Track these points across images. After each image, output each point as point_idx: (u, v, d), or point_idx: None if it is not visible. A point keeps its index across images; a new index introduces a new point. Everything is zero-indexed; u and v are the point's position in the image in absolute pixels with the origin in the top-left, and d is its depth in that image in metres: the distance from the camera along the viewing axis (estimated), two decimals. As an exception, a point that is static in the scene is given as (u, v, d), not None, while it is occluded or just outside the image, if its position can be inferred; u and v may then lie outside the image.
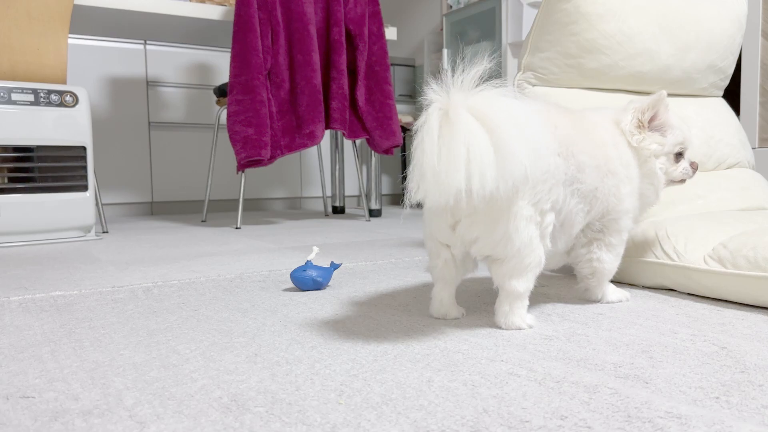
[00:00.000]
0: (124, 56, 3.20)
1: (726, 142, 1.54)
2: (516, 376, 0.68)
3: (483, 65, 0.78)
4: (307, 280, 1.15)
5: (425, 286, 1.20)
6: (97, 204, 2.33)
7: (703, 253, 1.07)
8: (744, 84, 2.31)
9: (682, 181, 1.07)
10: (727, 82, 1.63)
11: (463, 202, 0.75)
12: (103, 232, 2.37)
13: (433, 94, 0.78)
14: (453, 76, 0.78)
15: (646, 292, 1.12)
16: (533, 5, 3.09)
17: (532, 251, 0.85)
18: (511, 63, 3.16)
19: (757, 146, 2.27)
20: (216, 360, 0.75)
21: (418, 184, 0.76)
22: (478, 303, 1.04)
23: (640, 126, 1.01)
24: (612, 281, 1.19)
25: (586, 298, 1.05)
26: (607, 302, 1.04)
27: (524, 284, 0.86)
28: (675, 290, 1.12)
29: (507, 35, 3.17)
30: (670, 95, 1.54)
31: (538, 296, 1.09)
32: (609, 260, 1.01)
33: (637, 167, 1.01)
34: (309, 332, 0.87)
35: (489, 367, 0.71)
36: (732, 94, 1.88)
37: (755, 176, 1.58)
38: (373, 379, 0.67)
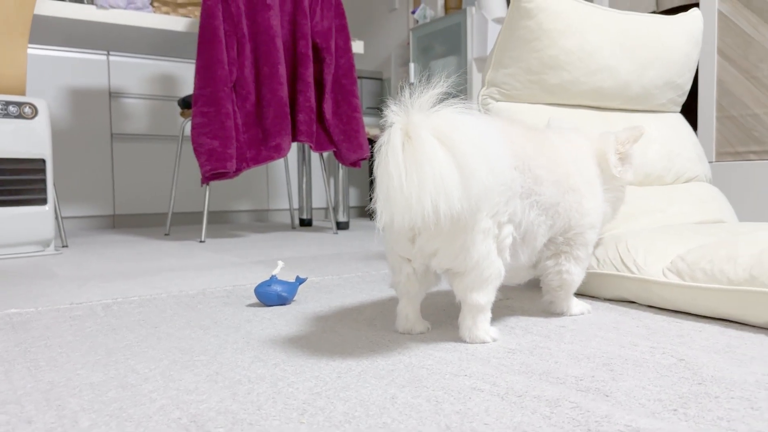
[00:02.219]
0: (87, 67, 3.15)
1: (684, 157, 1.58)
2: (479, 391, 0.68)
3: (442, 84, 0.79)
4: (272, 296, 1.14)
5: (391, 300, 1.20)
6: (56, 217, 2.27)
7: (662, 266, 1.09)
8: (701, 100, 2.38)
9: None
10: (684, 98, 1.68)
11: (431, 224, 0.76)
12: (63, 247, 2.32)
13: (393, 114, 0.78)
14: (412, 96, 0.79)
15: (608, 305, 1.14)
16: (498, 21, 3.14)
17: (491, 264, 0.85)
18: (476, 78, 3.20)
19: (714, 160, 2.34)
20: (176, 379, 0.74)
21: (384, 207, 0.76)
22: (444, 317, 1.05)
23: (620, 158, 1.06)
24: (575, 294, 1.21)
25: (550, 310, 1.07)
26: (571, 315, 1.05)
27: (485, 297, 0.87)
28: (635, 302, 1.14)
29: (472, 50, 3.21)
30: (629, 111, 1.58)
31: (502, 309, 1.10)
32: (577, 273, 1.03)
33: (600, 186, 1.04)
34: (272, 349, 0.86)
35: (453, 382, 0.71)
36: (689, 110, 1.93)
37: (712, 190, 1.62)
38: (337, 397, 0.66)
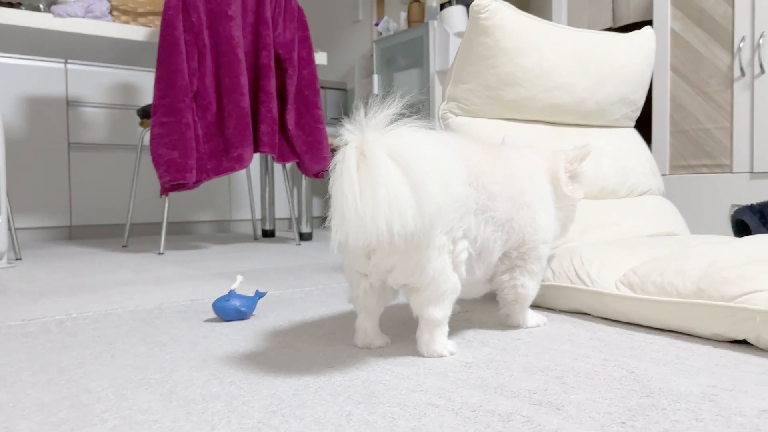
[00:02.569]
0: (44, 75, 3.08)
1: (638, 171, 1.63)
2: (434, 406, 0.69)
3: (397, 102, 0.80)
4: (230, 310, 1.13)
5: (352, 313, 1.21)
6: (9, 229, 2.21)
7: (615, 279, 1.12)
8: (655, 115, 2.45)
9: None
10: (638, 113, 1.73)
11: (385, 243, 0.77)
12: (16, 259, 2.25)
13: (348, 133, 0.79)
14: (368, 114, 0.80)
15: (563, 316, 1.16)
16: (459, 35, 3.18)
17: (446, 279, 0.86)
18: (438, 90, 3.24)
19: (668, 173, 2.41)
20: (129, 398, 0.73)
21: (339, 225, 0.77)
22: (403, 330, 1.05)
23: (570, 177, 1.08)
24: (531, 306, 1.23)
25: (507, 323, 1.08)
26: (527, 327, 1.07)
27: (441, 311, 0.88)
28: (589, 314, 1.17)
29: (434, 63, 3.24)
30: (584, 126, 1.62)
31: (461, 322, 1.11)
32: (531, 286, 1.05)
33: (552, 203, 1.06)
34: (229, 366, 0.86)
35: (409, 397, 0.72)
36: (642, 125, 1.98)
37: (665, 203, 1.67)
38: (292, 415, 0.66)
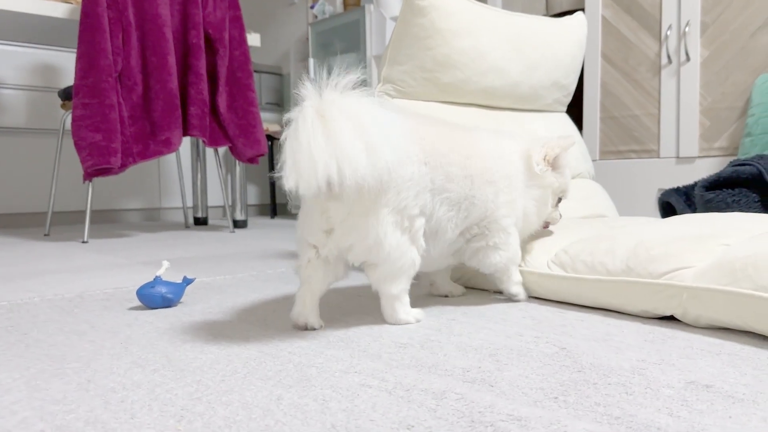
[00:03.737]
0: (-47, 53, 2.88)
1: (570, 155, 1.65)
2: (368, 387, 0.67)
3: (354, 75, 0.85)
4: (156, 298, 1.08)
5: (286, 298, 1.17)
6: None
7: (547, 259, 1.13)
8: (586, 101, 2.51)
9: (547, 224, 1.19)
10: (569, 98, 1.75)
11: (335, 189, 0.80)
12: (-76, 249, 2.10)
13: (306, 91, 0.83)
14: (328, 79, 0.84)
15: (496, 296, 1.17)
16: (395, 19, 3.16)
17: (402, 255, 0.90)
18: (376, 75, 3.22)
19: (598, 158, 2.47)
20: (42, 389, 0.68)
21: (290, 172, 0.80)
22: (338, 314, 1.03)
23: (546, 160, 1.10)
24: (467, 287, 1.23)
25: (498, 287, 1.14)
26: (510, 293, 1.12)
27: (397, 286, 0.93)
28: (524, 294, 1.17)
29: (371, 47, 3.22)
30: (518, 110, 1.63)
31: (396, 305, 1.10)
32: (501, 258, 1.06)
33: (522, 184, 1.08)
34: (153, 354, 0.81)
35: (342, 379, 0.70)
36: (574, 110, 2.02)
37: (596, 186, 1.71)
38: (218, 401, 0.63)
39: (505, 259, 1.07)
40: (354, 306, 1.09)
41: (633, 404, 0.61)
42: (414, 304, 1.10)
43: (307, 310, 0.93)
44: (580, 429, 0.55)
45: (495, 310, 1.06)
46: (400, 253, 0.90)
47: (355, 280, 1.38)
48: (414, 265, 0.93)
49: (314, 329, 0.93)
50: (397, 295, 0.94)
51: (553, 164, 1.11)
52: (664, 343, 0.83)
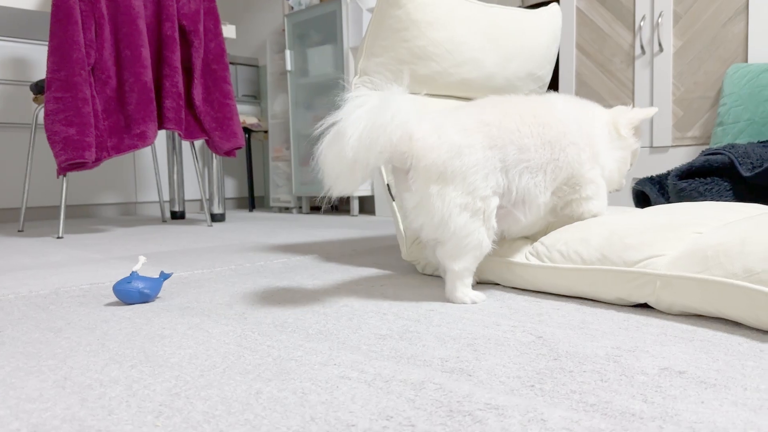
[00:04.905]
0: None
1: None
2: (347, 379, 0.67)
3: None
4: (133, 293, 1.07)
5: (265, 291, 1.17)
6: None
7: (525, 250, 1.14)
8: (562, 92, 2.52)
9: (617, 190, 1.27)
10: (545, 89, 1.77)
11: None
12: None
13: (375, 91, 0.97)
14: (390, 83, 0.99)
15: (477, 287, 1.18)
16: (372, 11, 3.15)
17: (467, 234, 1.00)
18: (353, 67, 3.20)
19: (573, 149, 2.49)
20: (17, 387, 0.67)
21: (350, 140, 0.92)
22: (317, 306, 1.03)
23: (632, 125, 1.20)
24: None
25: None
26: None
27: (461, 264, 1.02)
28: (499, 284, 1.19)
29: (348, 39, 3.20)
30: (495, 100, 1.64)
31: (376, 296, 1.10)
32: (594, 206, 1.14)
33: (606, 146, 1.17)
34: (130, 350, 0.81)
35: (321, 372, 0.70)
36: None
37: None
38: (197, 396, 0.63)
39: (597, 207, 1.15)
40: (332, 298, 1.10)
41: (608, 391, 0.62)
42: (393, 293, 1.11)
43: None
44: (556, 417, 0.56)
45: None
46: (465, 233, 0.99)
47: (334, 273, 1.38)
48: (480, 246, 1.01)
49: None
50: (459, 272, 1.02)
51: (635, 129, 1.20)
52: (638, 330, 0.85)
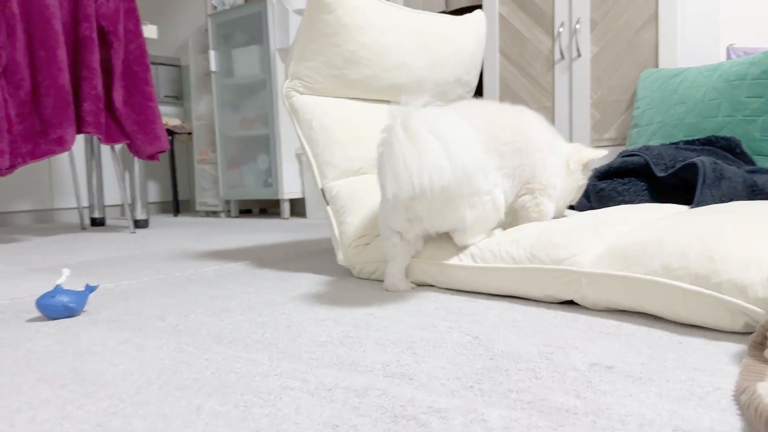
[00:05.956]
0: None
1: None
2: (290, 389, 0.67)
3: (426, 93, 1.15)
4: (58, 307, 1.02)
5: (197, 301, 1.15)
6: None
7: (457, 251, 1.17)
8: (487, 96, 2.59)
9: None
10: (472, 93, 1.81)
11: (428, 192, 0.97)
12: None
13: (392, 112, 1.01)
14: (404, 101, 1.02)
15: (410, 290, 1.20)
16: (299, 12, 3.13)
17: (486, 220, 1.14)
18: (280, 68, 3.17)
19: (498, 150, 2.57)
20: (-64, 416, 0.63)
21: (391, 182, 0.98)
22: (254, 315, 1.02)
23: (581, 162, 1.32)
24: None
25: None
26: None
27: (475, 239, 1.15)
28: (433, 285, 1.21)
29: (275, 40, 3.17)
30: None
31: (313, 302, 1.10)
32: (544, 208, 1.23)
33: (562, 171, 1.29)
34: (59, 368, 0.77)
35: (262, 383, 0.69)
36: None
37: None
38: (135, 415, 0.61)
39: (547, 209, 1.24)
40: (269, 306, 1.09)
41: (542, 388, 0.65)
42: (330, 299, 1.11)
43: (396, 279, 1.18)
44: (495, 416, 0.58)
45: (408, 303, 1.08)
46: (484, 219, 1.12)
47: (268, 279, 1.37)
48: (496, 223, 1.17)
49: (405, 290, 1.18)
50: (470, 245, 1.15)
51: (584, 166, 1.32)
52: (567, 327, 0.89)
